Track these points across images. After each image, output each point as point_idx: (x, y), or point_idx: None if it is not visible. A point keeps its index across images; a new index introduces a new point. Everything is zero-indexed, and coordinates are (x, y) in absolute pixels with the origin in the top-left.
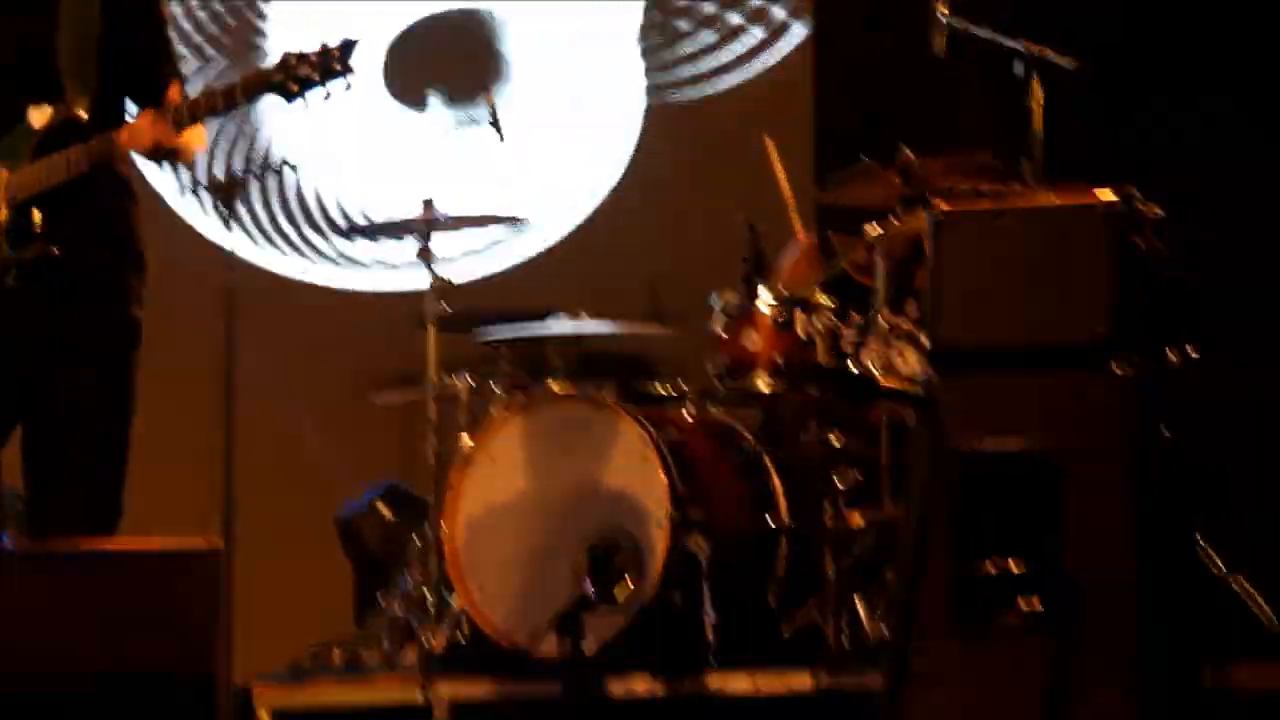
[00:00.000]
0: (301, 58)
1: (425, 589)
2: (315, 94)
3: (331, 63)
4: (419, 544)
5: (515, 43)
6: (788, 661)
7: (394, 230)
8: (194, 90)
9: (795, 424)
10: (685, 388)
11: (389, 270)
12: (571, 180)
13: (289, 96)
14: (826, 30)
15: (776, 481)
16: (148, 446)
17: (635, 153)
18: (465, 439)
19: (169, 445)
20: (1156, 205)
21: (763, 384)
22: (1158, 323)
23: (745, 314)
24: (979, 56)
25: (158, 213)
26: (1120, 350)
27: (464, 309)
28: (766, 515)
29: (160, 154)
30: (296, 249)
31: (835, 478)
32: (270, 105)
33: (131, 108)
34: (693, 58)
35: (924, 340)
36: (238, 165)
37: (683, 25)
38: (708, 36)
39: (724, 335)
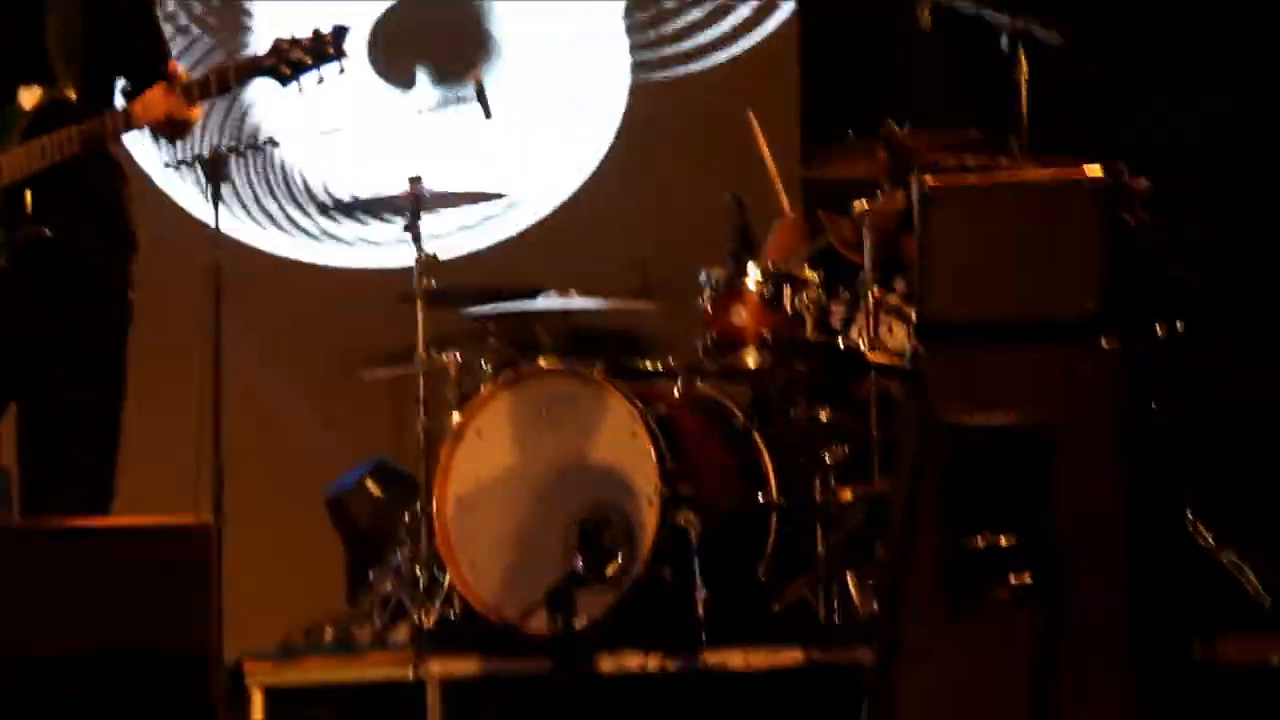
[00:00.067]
0: (294, 42)
1: (416, 566)
2: (309, 78)
3: (324, 47)
4: (409, 521)
5: (501, 20)
6: (778, 637)
7: (380, 206)
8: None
9: (784, 399)
10: (674, 364)
11: (373, 248)
12: (558, 157)
13: (283, 80)
14: (812, 5)
15: (766, 457)
16: (136, 426)
17: (622, 129)
18: (454, 415)
19: (157, 425)
20: (1144, 178)
21: (751, 360)
22: (1147, 297)
23: (733, 290)
24: (964, 31)
25: (144, 192)
26: (1109, 325)
27: (453, 285)
28: (756, 491)
29: (171, 127)
30: (279, 225)
31: (824, 453)
32: (256, 82)
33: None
34: (679, 35)
35: (912, 315)
36: (222, 141)
37: (669, 3)
38: (694, 13)
39: (712, 311)
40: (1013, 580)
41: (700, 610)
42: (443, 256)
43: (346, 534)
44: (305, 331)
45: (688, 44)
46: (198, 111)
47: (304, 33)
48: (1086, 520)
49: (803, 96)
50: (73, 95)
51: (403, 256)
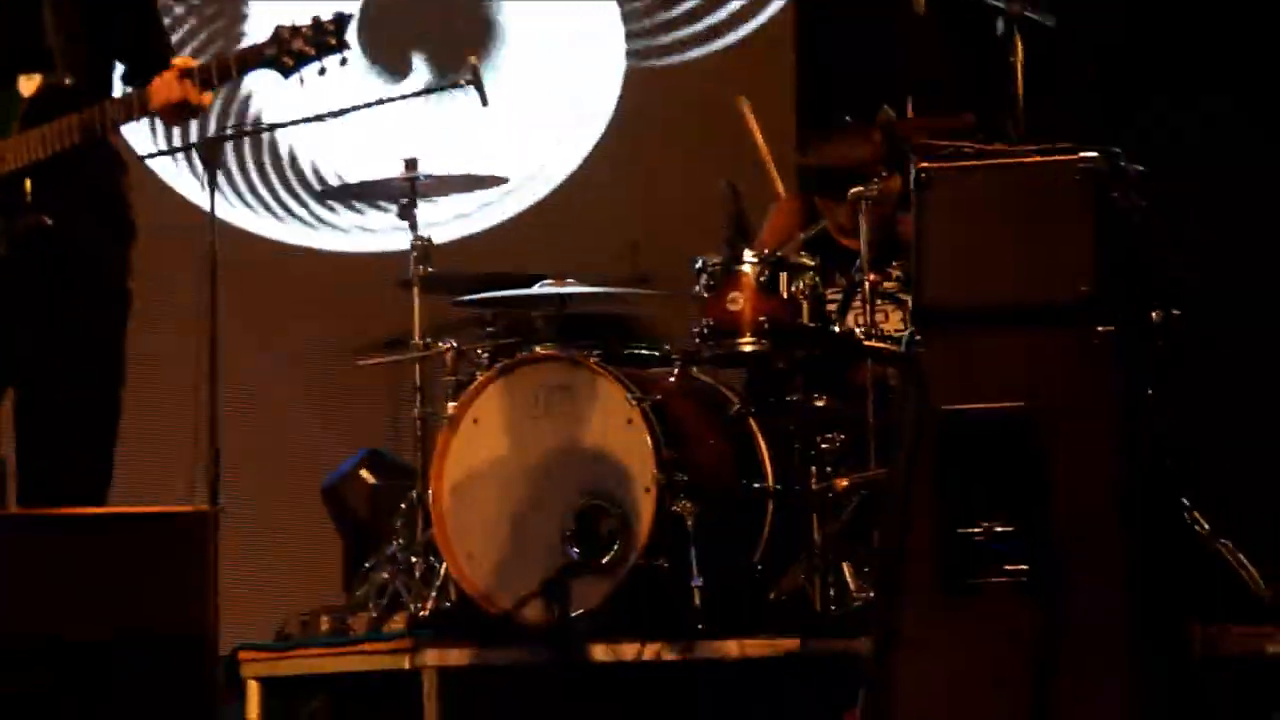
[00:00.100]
0: (295, 31)
1: (412, 555)
2: (310, 69)
3: (326, 37)
4: (405, 510)
5: (496, 5)
6: (775, 625)
7: (376, 191)
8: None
9: (780, 386)
10: (670, 350)
11: (369, 233)
12: (554, 143)
13: (285, 72)
14: None
15: (762, 444)
16: (132, 414)
17: (618, 116)
18: (450, 403)
19: (153, 413)
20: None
21: (747, 346)
22: (1142, 282)
23: (729, 276)
24: (960, 14)
25: (141, 179)
26: (1105, 308)
27: (450, 272)
28: (752, 478)
29: (181, 113)
30: (273, 211)
31: (821, 440)
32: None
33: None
34: (675, 22)
35: (908, 300)
36: (220, 126)
37: None
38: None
39: (708, 297)
40: (1009, 567)
41: (697, 599)
42: (437, 241)
43: (342, 524)
44: (301, 318)
45: (684, 31)
46: (209, 97)
47: (305, 21)
48: (1083, 506)
49: (798, 83)
50: (70, 82)
51: (399, 241)
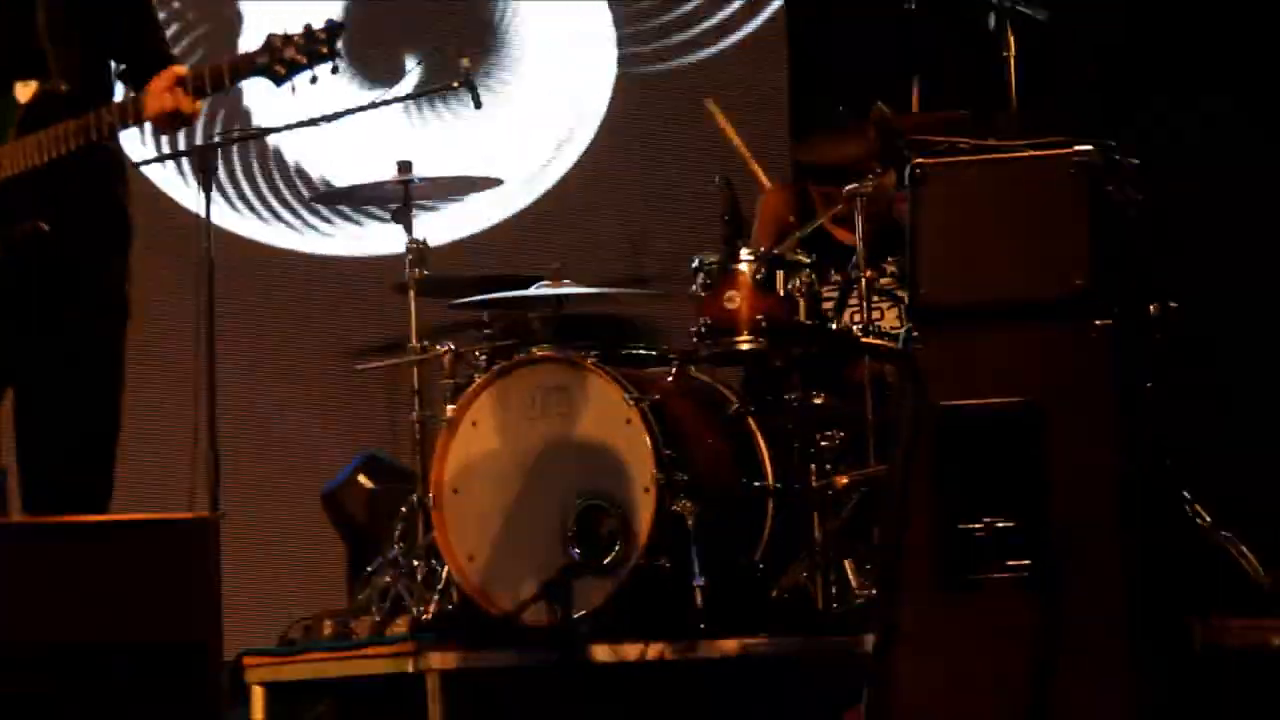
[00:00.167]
0: (286, 39)
1: (414, 558)
2: (302, 78)
3: (318, 46)
4: (405, 513)
5: (490, 8)
6: (777, 624)
7: (370, 194)
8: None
9: (778, 384)
10: (668, 349)
11: (363, 236)
12: (548, 145)
13: (277, 81)
14: None
15: (761, 442)
16: (131, 421)
17: (612, 116)
18: (448, 406)
19: (152, 419)
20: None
21: (745, 344)
22: (1138, 274)
23: (726, 274)
24: (952, 11)
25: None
26: (1100, 302)
27: (446, 275)
28: (752, 477)
29: (174, 122)
30: (271, 217)
31: (820, 438)
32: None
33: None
34: (669, 26)
35: (904, 295)
36: (213, 132)
37: None
38: (685, 5)
39: (705, 296)
40: (1009, 562)
41: (698, 598)
42: (432, 243)
43: (343, 529)
44: (298, 323)
45: (677, 36)
46: (201, 106)
47: (296, 29)
48: (1082, 500)
49: (792, 82)
50: (66, 89)
51: (394, 245)
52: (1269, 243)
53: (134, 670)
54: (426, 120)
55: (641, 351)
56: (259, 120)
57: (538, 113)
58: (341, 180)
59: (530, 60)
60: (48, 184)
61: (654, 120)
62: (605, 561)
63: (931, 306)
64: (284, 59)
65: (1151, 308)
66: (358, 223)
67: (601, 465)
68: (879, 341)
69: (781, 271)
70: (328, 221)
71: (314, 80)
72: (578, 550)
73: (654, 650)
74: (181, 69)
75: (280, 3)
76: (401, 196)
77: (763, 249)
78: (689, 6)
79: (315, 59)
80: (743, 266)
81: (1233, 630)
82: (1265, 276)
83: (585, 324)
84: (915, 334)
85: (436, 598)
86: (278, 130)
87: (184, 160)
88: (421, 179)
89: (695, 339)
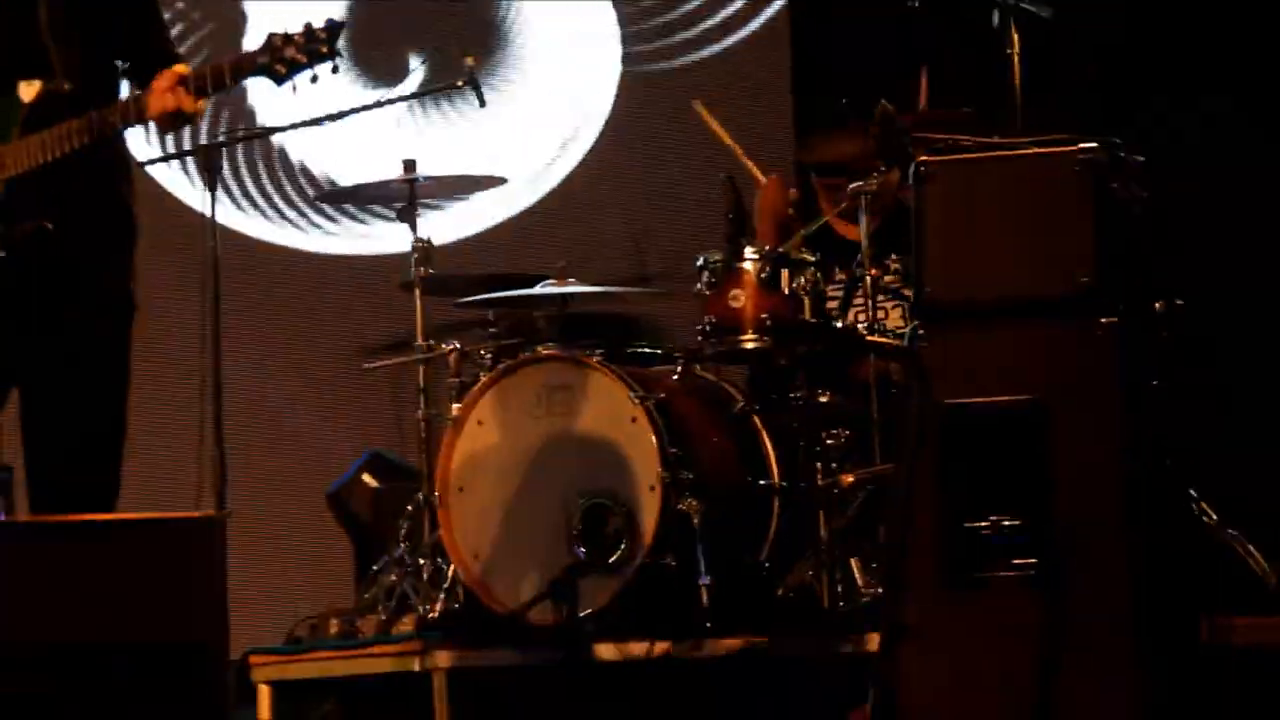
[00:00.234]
0: (287, 39)
1: (420, 557)
2: (302, 77)
3: (318, 45)
4: (411, 511)
5: (494, 7)
6: (783, 623)
7: (375, 193)
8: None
9: (783, 383)
10: (673, 348)
11: (370, 235)
12: (553, 144)
13: (278, 80)
14: None
15: (767, 441)
16: (137, 420)
17: (617, 115)
18: (454, 404)
19: (158, 418)
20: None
21: (750, 343)
22: (1144, 271)
23: (731, 273)
24: (956, 9)
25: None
26: (1106, 299)
27: (452, 273)
28: (757, 476)
29: (176, 122)
30: (276, 216)
31: (825, 436)
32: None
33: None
34: (673, 25)
35: (909, 293)
36: (216, 132)
37: None
38: (689, 3)
39: (709, 294)
40: (1015, 560)
41: (704, 597)
42: (437, 242)
43: (349, 528)
44: (304, 322)
45: (680, 35)
46: (204, 105)
47: (296, 28)
48: (1087, 498)
49: (794, 79)
50: (70, 88)
51: (400, 243)
52: (1269, 242)
53: (137, 670)
54: (431, 119)
55: (646, 350)
56: (264, 120)
57: (542, 112)
58: (346, 179)
59: (534, 59)
60: (52, 183)
61: (658, 119)
62: (610, 560)
63: (936, 304)
64: (284, 58)
65: (1157, 305)
66: (363, 222)
67: (606, 463)
68: (884, 339)
69: (786, 270)
70: (333, 220)
71: (314, 79)
72: (583, 549)
73: (659, 649)
74: (184, 68)
75: (284, 2)
76: (406, 195)
77: (767, 247)
78: (692, 5)
79: (315, 58)
80: (747, 265)
81: (1238, 628)
82: (1266, 276)
83: (590, 322)
84: (920, 332)
85: (442, 596)
86: (283, 129)
87: (189, 160)
88: (426, 178)
89: (700, 337)
